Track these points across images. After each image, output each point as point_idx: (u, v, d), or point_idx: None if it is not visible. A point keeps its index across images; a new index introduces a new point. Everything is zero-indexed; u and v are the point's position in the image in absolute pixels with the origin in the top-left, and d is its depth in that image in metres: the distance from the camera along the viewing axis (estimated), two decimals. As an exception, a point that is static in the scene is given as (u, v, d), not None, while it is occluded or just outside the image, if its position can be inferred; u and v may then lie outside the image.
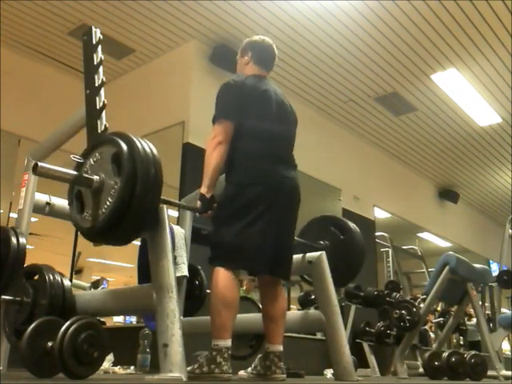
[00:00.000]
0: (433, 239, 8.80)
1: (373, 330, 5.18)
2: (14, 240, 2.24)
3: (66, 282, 2.06)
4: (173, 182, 4.65)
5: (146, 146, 1.81)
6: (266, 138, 2.25)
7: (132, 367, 3.22)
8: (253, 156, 2.21)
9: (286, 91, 6.02)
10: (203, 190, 2.16)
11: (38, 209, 2.43)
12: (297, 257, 2.62)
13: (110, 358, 3.09)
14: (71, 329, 1.66)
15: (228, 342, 2.04)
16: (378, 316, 5.12)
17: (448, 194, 8.74)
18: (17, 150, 5.11)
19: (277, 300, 2.28)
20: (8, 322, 2.09)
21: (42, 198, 2.44)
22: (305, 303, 5.41)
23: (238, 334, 2.40)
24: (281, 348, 2.25)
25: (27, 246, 2.28)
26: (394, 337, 4.88)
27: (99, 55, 2.23)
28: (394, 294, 5.00)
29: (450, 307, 5.99)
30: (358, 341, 5.39)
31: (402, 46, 5.23)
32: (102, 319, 3.93)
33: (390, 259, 6.63)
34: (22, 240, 2.26)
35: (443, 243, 8.93)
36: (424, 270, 7.23)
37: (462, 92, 6.00)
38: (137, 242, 2.78)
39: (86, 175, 1.85)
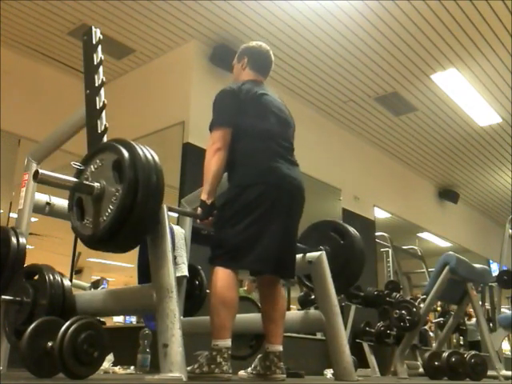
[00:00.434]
0: (433, 239, 8.79)
1: (373, 330, 5.18)
2: (14, 240, 2.24)
3: (66, 282, 2.06)
4: (173, 182, 4.65)
5: (148, 152, 1.80)
6: (266, 136, 2.25)
7: (132, 367, 3.23)
8: (252, 155, 2.21)
9: (286, 91, 6.04)
10: (204, 196, 2.16)
11: (38, 209, 2.43)
12: (297, 257, 2.62)
13: (110, 357, 3.09)
14: (71, 329, 1.66)
15: (228, 342, 2.04)
16: (377, 316, 5.11)
17: (448, 194, 8.74)
18: (17, 150, 5.11)
19: (276, 300, 2.28)
20: (8, 321, 2.09)
21: (41, 198, 2.43)
22: (305, 303, 5.40)
23: (238, 334, 2.39)
24: (280, 348, 2.25)
25: (27, 246, 2.28)
26: (394, 337, 4.88)
27: (99, 55, 2.23)
28: (394, 294, 4.99)
29: (450, 307, 5.99)
30: (358, 341, 5.39)
31: (402, 46, 5.23)
32: (102, 319, 3.93)
33: (390, 259, 6.64)
34: (22, 240, 2.26)
35: (443, 243, 8.93)
36: (424, 270, 7.23)
37: (461, 92, 6.00)
38: (137, 242, 2.78)
39: (87, 182, 1.84)
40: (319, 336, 5.12)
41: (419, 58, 5.41)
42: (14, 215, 4.20)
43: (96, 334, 1.71)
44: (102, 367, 2.09)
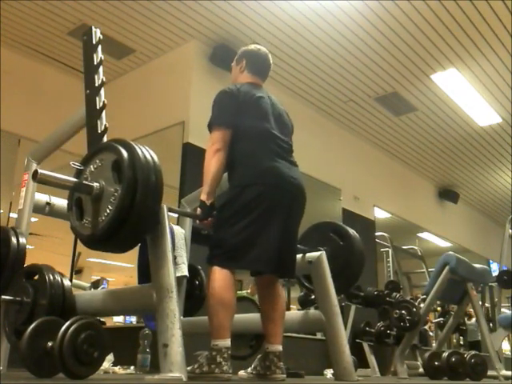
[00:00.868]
0: (433, 239, 8.79)
1: (373, 330, 5.18)
2: (14, 240, 2.24)
3: (66, 282, 2.06)
4: (173, 182, 4.65)
5: (147, 152, 1.81)
6: (264, 137, 2.25)
7: (132, 367, 3.23)
8: (252, 155, 2.22)
9: (286, 91, 6.04)
10: (203, 197, 2.17)
11: (38, 209, 2.43)
12: (297, 257, 2.62)
13: (110, 357, 3.09)
14: (71, 329, 1.66)
15: (227, 342, 2.04)
16: (377, 316, 5.11)
17: (448, 194, 8.74)
18: (17, 150, 5.11)
19: (275, 300, 2.28)
20: (8, 321, 2.09)
21: (41, 198, 2.44)
22: (305, 303, 5.40)
23: (238, 334, 2.40)
24: (280, 348, 2.24)
25: (27, 246, 2.28)
26: (394, 337, 4.88)
27: (99, 55, 2.23)
28: (394, 294, 4.99)
29: (450, 307, 5.99)
30: (358, 341, 5.39)
31: (402, 46, 5.23)
32: (102, 319, 3.93)
33: (390, 259, 6.64)
34: (22, 240, 2.26)
35: (443, 243, 8.93)
36: (424, 270, 7.23)
37: (462, 92, 6.00)
38: (137, 242, 2.78)
39: (86, 182, 1.84)
40: (319, 336, 5.12)
41: (419, 58, 5.41)
42: (14, 215, 4.20)
43: (96, 333, 1.71)
44: (102, 367, 2.09)
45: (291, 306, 6.26)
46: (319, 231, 3.01)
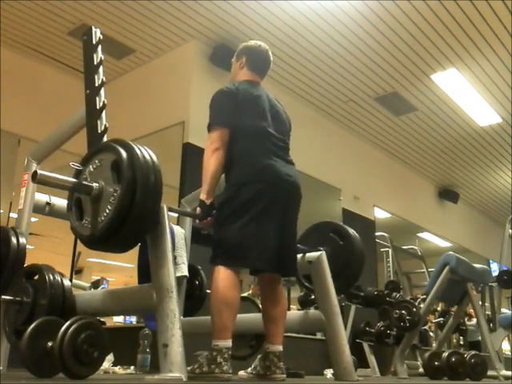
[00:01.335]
0: (433, 239, 8.79)
1: (373, 330, 5.18)
2: (14, 240, 2.24)
3: (66, 282, 2.06)
4: (173, 182, 4.65)
5: (146, 153, 1.81)
6: (262, 135, 2.26)
7: (132, 367, 3.23)
8: (249, 154, 2.22)
9: (286, 91, 6.04)
10: (202, 196, 2.17)
11: (38, 209, 2.43)
12: (297, 257, 2.62)
13: (110, 357, 3.09)
14: (71, 329, 1.66)
15: (228, 342, 2.04)
16: (377, 316, 5.11)
17: (448, 194, 8.74)
18: (17, 150, 5.11)
19: (277, 300, 2.28)
20: (8, 321, 2.09)
21: (41, 198, 2.44)
22: (305, 303, 5.40)
23: (238, 334, 2.39)
24: (280, 348, 2.25)
25: (27, 246, 2.28)
26: (393, 337, 4.88)
27: (99, 55, 2.23)
28: (394, 294, 4.99)
29: (450, 307, 5.99)
30: (358, 341, 5.39)
31: (402, 46, 5.23)
32: (102, 319, 3.93)
33: (390, 259, 6.64)
34: (22, 240, 2.26)
35: (443, 243, 8.93)
36: (424, 270, 7.23)
37: (462, 92, 6.00)
38: (137, 242, 2.78)
39: (86, 182, 1.85)
40: (319, 336, 5.12)
41: (419, 58, 5.41)
42: (14, 215, 4.20)
43: (96, 333, 1.71)
44: (102, 367, 2.09)
45: (291, 306, 6.25)
46: (319, 231, 3.01)
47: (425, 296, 4.73)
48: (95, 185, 1.82)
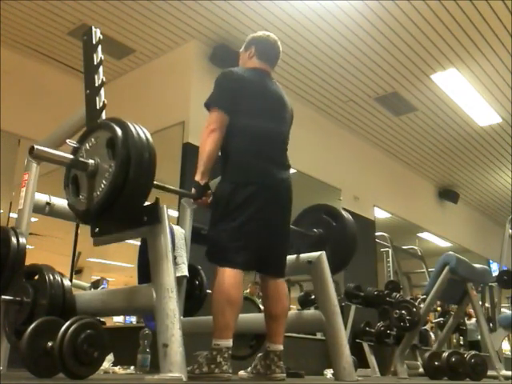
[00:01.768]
0: (433, 239, 8.80)
1: (373, 330, 5.18)
2: (14, 240, 2.23)
3: (66, 282, 2.06)
4: (173, 182, 4.65)
5: (141, 131, 1.83)
6: (260, 137, 2.26)
7: (132, 367, 3.22)
8: (247, 155, 2.22)
9: (286, 91, 6.01)
10: (197, 176, 2.18)
11: (38, 209, 2.42)
12: (296, 257, 2.63)
13: (110, 357, 3.09)
14: (71, 329, 1.66)
15: (229, 342, 2.03)
16: (378, 316, 5.11)
17: (448, 194, 8.74)
18: (17, 149, 5.11)
19: (279, 298, 2.28)
20: (8, 321, 2.09)
21: (41, 198, 2.43)
22: (305, 303, 5.41)
23: (238, 334, 2.39)
24: (281, 347, 2.25)
25: (27, 246, 2.27)
26: (393, 337, 4.88)
27: (99, 55, 2.23)
28: (394, 294, 4.99)
29: (450, 307, 5.99)
30: (358, 341, 5.39)
31: (402, 46, 5.23)
32: (102, 319, 3.93)
33: (390, 259, 6.64)
34: (22, 240, 2.26)
35: (443, 243, 8.93)
36: (424, 270, 7.23)
37: (462, 92, 6.00)
38: (137, 242, 2.78)
39: (82, 159, 1.87)
40: (319, 336, 5.12)
41: (419, 58, 5.41)
42: (14, 215, 4.20)
43: (96, 333, 1.71)
44: (102, 367, 2.09)
45: (291, 306, 6.25)
46: (312, 214, 3.04)
47: (425, 296, 4.72)
48: (91, 161, 1.85)
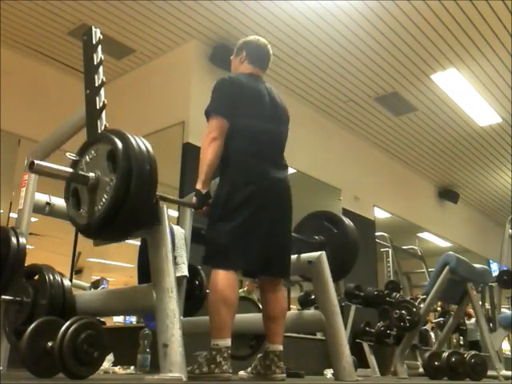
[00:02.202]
0: (433, 239, 8.80)
1: (373, 330, 5.18)
2: (14, 240, 2.24)
3: (66, 282, 2.06)
4: (173, 182, 4.65)
5: (141, 143, 1.82)
6: (259, 139, 2.26)
7: (132, 367, 3.22)
8: (247, 155, 2.23)
9: (286, 91, 6.04)
10: (198, 185, 2.17)
11: (38, 209, 2.43)
12: (296, 257, 2.63)
13: (110, 357, 3.09)
14: (71, 329, 1.66)
15: (228, 342, 2.04)
16: (378, 316, 5.11)
17: (448, 194, 8.74)
18: (17, 149, 5.11)
19: (277, 299, 2.28)
20: (8, 321, 2.09)
21: (41, 198, 2.44)
22: (305, 303, 5.41)
23: (238, 334, 2.40)
24: (281, 348, 2.25)
25: (27, 246, 2.28)
26: (394, 337, 4.88)
27: (99, 55, 2.23)
28: (394, 294, 4.99)
29: (450, 307, 5.99)
30: (358, 341, 5.39)
31: (402, 46, 5.23)
32: (102, 319, 3.93)
33: (390, 259, 6.64)
34: (22, 240, 2.26)
35: (443, 243, 8.93)
36: (424, 270, 7.23)
37: (462, 92, 6.00)
38: (137, 242, 2.78)
39: (82, 173, 1.86)
40: (319, 336, 5.12)
41: (419, 58, 5.41)
42: (14, 215, 4.20)
43: (96, 333, 1.71)
44: (102, 367, 2.09)
45: (291, 306, 6.26)
46: (314, 220, 3.04)
47: (425, 296, 4.72)
48: (91, 175, 1.83)
